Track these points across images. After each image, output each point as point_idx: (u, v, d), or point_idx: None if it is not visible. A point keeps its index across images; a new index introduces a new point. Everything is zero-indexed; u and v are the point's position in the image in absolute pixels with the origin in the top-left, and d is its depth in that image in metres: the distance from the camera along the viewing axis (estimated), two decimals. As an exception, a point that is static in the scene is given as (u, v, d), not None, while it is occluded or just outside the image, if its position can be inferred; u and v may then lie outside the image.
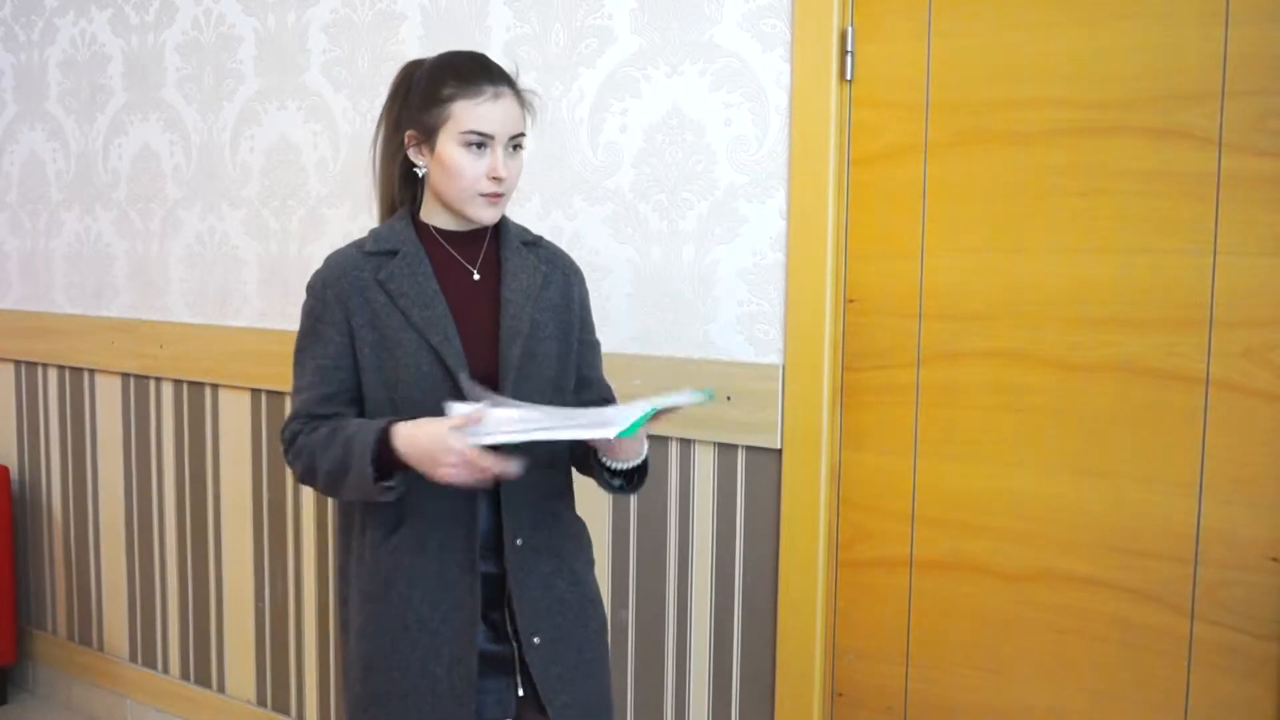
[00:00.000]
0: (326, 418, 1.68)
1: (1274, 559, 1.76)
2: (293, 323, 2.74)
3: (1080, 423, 1.90)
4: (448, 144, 1.67)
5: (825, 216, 2.06)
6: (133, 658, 3.30)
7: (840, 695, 2.14)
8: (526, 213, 2.39)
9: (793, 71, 2.08)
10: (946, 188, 1.99)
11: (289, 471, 2.80)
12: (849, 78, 2.05)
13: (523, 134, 1.72)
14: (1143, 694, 1.87)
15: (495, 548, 1.71)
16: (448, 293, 1.71)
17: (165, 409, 3.14)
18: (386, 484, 1.59)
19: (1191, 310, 1.80)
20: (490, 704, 1.71)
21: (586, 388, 1.86)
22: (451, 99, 1.66)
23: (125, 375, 3.22)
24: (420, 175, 1.73)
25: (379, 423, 1.60)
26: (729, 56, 2.15)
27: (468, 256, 1.76)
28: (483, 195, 1.68)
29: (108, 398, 3.28)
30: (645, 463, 1.75)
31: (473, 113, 1.66)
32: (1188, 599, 1.83)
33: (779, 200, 2.11)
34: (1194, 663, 1.83)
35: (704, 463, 2.23)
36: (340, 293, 1.69)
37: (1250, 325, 1.75)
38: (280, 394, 2.85)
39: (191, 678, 3.16)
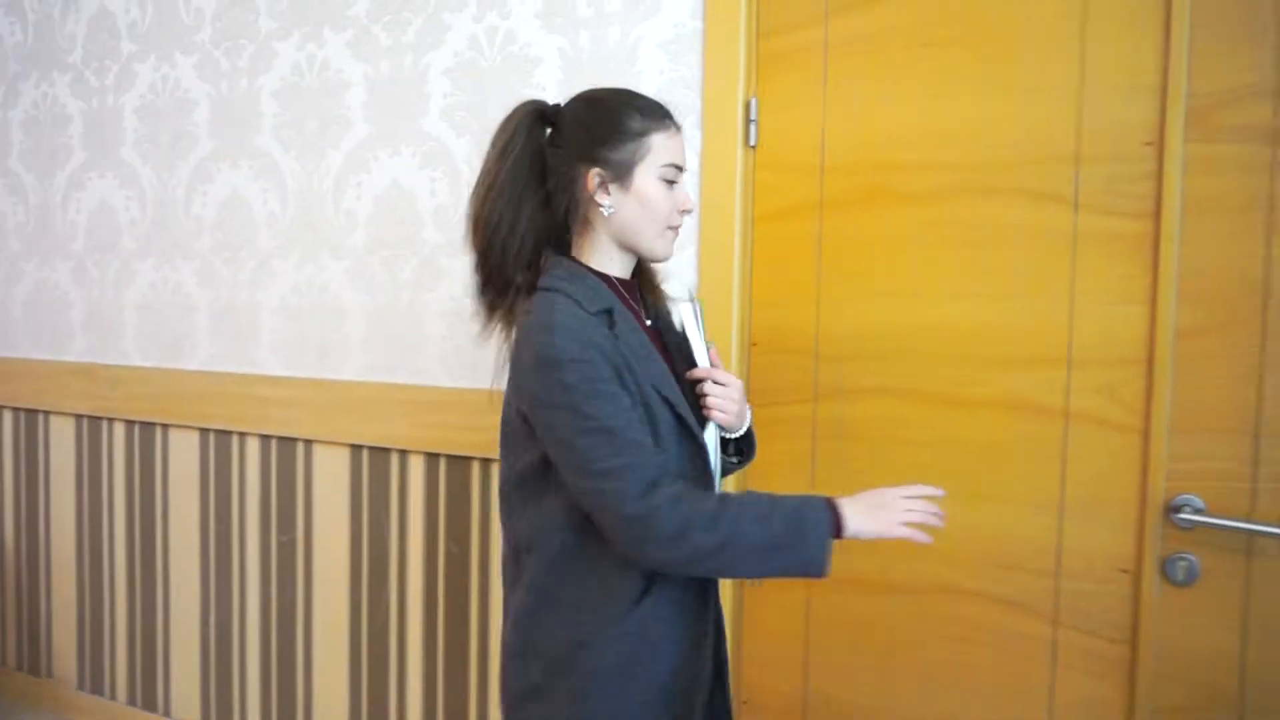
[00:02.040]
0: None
1: (1124, 570, 1.82)
2: (240, 365, 2.86)
3: (960, 452, 1.96)
4: (647, 178, 1.54)
5: (732, 268, 2.12)
6: (80, 685, 3.27)
7: (745, 702, 2.18)
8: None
9: (703, 138, 2.15)
10: (841, 241, 2.05)
11: (236, 505, 2.88)
12: (753, 144, 2.12)
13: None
14: (1014, 695, 1.93)
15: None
16: None
17: (117, 448, 3.15)
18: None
19: (1055, 350, 1.87)
20: None
21: None
22: (646, 133, 1.54)
23: (79, 416, 3.23)
24: (605, 215, 1.56)
25: (817, 498, 1.45)
26: (646, 123, 2.25)
27: (637, 304, 1.64)
28: (670, 229, 1.59)
29: (61, 438, 3.28)
30: (750, 431, 1.72)
31: (669, 145, 1.55)
32: (1051, 607, 1.89)
33: (690, 253, 2.18)
34: (1058, 665, 1.89)
35: (623, 492, 2.29)
36: (601, 350, 1.46)
37: (1102, 364, 1.83)
38: (227, 432, 2.91)
39: (138, 702, 3.15)
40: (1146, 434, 1.81)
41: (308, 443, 2.76)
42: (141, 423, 3.09)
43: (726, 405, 1.61)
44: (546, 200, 1.57)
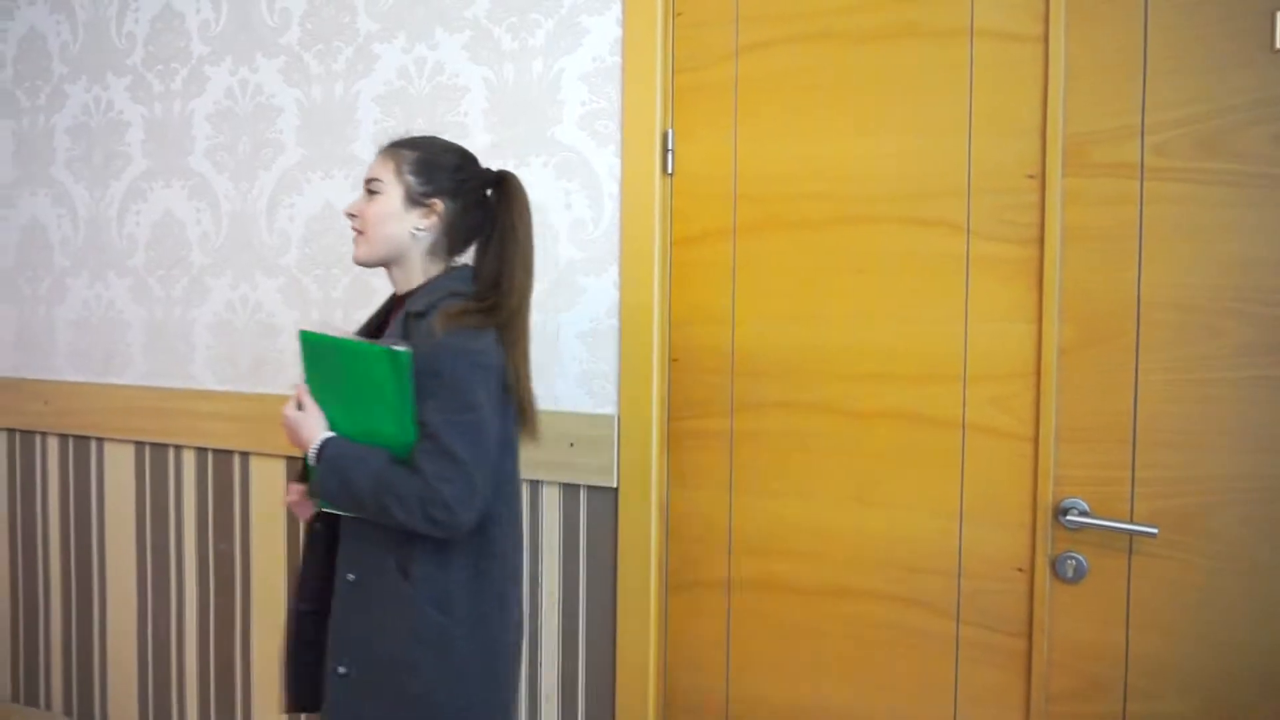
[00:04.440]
0: None
1: (1019, 569, 1.90)
2: (173, 380, 2.86)
3: (861, 461, 2.02)
4: None
5: (651, 288, 2.17)
6: (15, 697, 3.23)
7: (670, 704, 2.23)
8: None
9: (622, 165, 2.19)
10: (751, 265, 2.11)
11: (173, 514, 2.88)
12: (670, 172, 2.17)
13: (374, 179, 1.79)
14: (921, 687, 1.99)
15: None
16: None
17: (51, 461, 3.12)
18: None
19: (950, 367, 1.94)
20: None
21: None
22: None
23: (11, 431, 3.19)
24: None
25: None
26: (569, 151, 2.26)
27: (394, 318, 1.80)
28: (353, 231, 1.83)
29: (-7, 453, 3.24)
30: (310, 465, 1.77)
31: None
32: (953, 605, 1.96)
33: (612, 274, 2.22)
34: (960, 659, 1.96)
35: (551, 501, 2.31)
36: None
37: (993, 379, 1.91)
38: (163, 446, 2.91)
39: (74, 713, 3.11)
40: (1036, 442, 1.88)
41: (244, 454, 2.78)
42: (76, 436, 3.09)
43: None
44: None
